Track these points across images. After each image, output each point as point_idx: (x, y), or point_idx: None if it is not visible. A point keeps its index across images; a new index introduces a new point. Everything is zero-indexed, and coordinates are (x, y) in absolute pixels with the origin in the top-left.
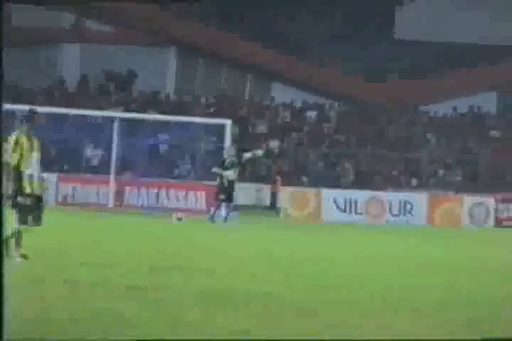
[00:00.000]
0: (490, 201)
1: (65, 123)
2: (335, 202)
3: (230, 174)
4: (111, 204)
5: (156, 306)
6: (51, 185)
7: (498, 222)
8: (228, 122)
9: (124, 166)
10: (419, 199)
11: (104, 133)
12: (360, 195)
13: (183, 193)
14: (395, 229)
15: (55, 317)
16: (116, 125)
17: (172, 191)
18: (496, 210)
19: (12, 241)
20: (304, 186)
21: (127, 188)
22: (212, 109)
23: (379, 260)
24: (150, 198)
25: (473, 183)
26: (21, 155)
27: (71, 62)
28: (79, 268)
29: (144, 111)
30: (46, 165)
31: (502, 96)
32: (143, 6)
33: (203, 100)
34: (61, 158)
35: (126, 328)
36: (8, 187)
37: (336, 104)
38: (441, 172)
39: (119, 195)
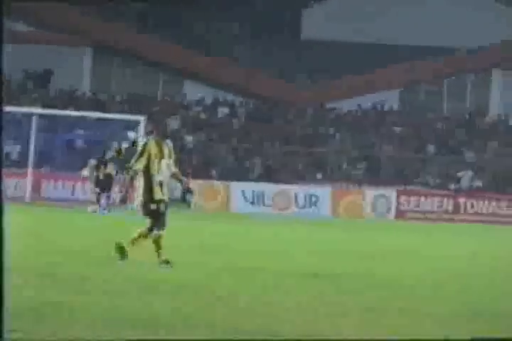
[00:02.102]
0: (391, 194)
1: None
2: (243, 194)
3: (109, 167)
4: (28, 198)
5: (98, 297)
6: None
7: (399, 214)
8: (142, 118)
9: (41, 160)
10: (324, 192)
11: (23, 128)
12: (268, 188)
13: None
14: (300, 220)
15: None
16: (34, 121)
17: (87, 184)
18: (398, 203)
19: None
20: (213, 179)
21: (44, 181)
22: (126, 106)
23: (287, 248)
24: (66, 191)
25: (375, 177)
26: (149, 160)
27: None
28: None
29: (61, 108)
30: None
31: (404, 94)
32: (60, 7)
33: (117, 97)
34: None
35: (73, 320)
36: (140, 192)
37: (246, 101)
38: (345, 166)
39: (36, 188)
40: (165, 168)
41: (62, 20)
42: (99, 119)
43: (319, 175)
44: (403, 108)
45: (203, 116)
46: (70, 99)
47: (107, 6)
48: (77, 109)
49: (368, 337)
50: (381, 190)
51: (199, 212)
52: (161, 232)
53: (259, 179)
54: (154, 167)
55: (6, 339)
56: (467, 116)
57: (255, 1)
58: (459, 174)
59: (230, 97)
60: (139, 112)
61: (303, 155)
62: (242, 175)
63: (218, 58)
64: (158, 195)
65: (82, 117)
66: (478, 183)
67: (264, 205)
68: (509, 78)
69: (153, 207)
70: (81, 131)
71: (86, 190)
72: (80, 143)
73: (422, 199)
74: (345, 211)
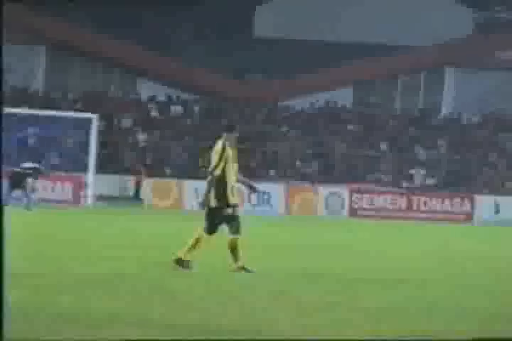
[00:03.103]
0: (344, 191)
1: None
2: (196, 192)
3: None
4: None
5: (34, 293)
6: None
7: (353, 212)
8: (94, 116)
9: None
10: (277, 190)
11: None
12: None
13: (51, 184)
14: (252, 217)
15: None
16: None
17: (40, 182)
18: (351, 200)
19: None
20: (166, 177)
21: None
22: (79, 104)
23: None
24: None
25: (329, 175)
26: (226, 165)
27: None
28: None
29: (14, 106)
30: None
31: (357, 92)
32: (15, 6)
33: (70, 96)
34: None
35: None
36: (211, 196)
37: (199, 99)
38: (298, 163)
39: None
40: (237, 174)
41: (17, 19)
42: (51, 117)
43: (272, 173)
44: (356, 106)
45: (156, 114)
46: (23, 97)
47: (61, 5)
48: (30, 106)
49: (311, 337)
50: (334, 188)
51: (152, 210)
52: (237, 236)
53: None
54: (230, 171)
55: (6, 340)
56: (419, 114)
57: (208, 1)
58: (412, 171)
59: (183, 95)
60: (92, 110)
61: (256, 153)
62: (195, 173)
63: (171, 57)
64: (233, 199)
65: (35, 115)
66: (431, 181)
67: None
68: (462, 76)
69: (229, 211)
70: (33, 129)
71: (37, 188)
72: (32, 141)
73: (375, 196)
74: (298, 208)
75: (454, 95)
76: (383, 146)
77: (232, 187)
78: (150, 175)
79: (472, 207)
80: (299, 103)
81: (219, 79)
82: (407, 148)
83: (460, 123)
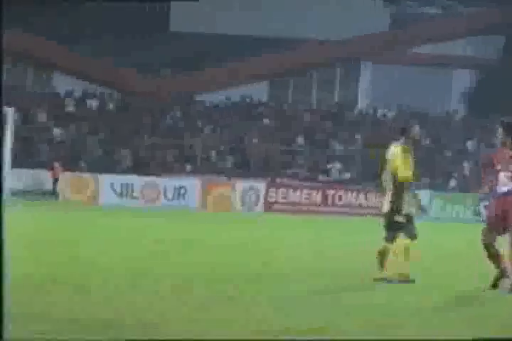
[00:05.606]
0: (260, 186)
1: None
2: (112, 186)
3: None
4: None
5: None
6: None
7: (268, 206)
8: (10, 111)
9: None
10: (193, 185)
11: None
12: (137, 180)
13: None
14: (168, 212)
15: None
16: None
17: None
18: (266, 195)
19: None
20: (82, 171)
21: None
22: None
23: (148, 240)
24: None
25: (245, 169)
26: (397, 167)
27: None
28: None
29: None
30: None
31: (273, 86)
32: None
33: None
34: None
35: None
36: (386, 200)
37: (115, 93)
38: (214, 158)
39: None
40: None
41: None
42: None
43: (188, 168)
44: (272, 100)
45: (71, 108)
46: None
47: None
48: None
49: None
50: (250, 183)
51: (68, 205)
52: (409, 240)
53: (128, 171)
54: (402, 174)
55: (6, 339)
56: (335, 109)
57: None
58: (328, 166)
59: (99, 90)
60: (8, 104)
61: (172, 148)
62: (111, 168)
63: (82, 51)
64: (407, 207)
65: None
66: (347, 175)
67: (132, 198)
68: (377, 70)
69: (399, 219)
70: None
71: None
72: None
73: (291, 191)
74: (213, 203)
75: (369, 89)
76: (299, 141)
77: (410, 193)
78: (66, 170)
79: None
80: (215, 98)
81: (132, 74)
82: (323, 143)
83: (375, 118)
